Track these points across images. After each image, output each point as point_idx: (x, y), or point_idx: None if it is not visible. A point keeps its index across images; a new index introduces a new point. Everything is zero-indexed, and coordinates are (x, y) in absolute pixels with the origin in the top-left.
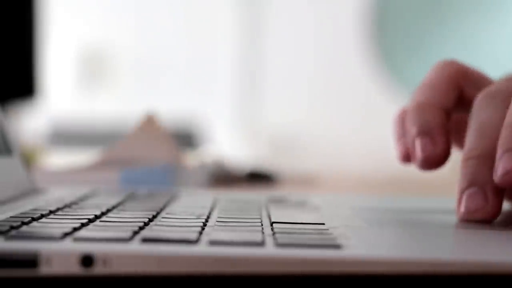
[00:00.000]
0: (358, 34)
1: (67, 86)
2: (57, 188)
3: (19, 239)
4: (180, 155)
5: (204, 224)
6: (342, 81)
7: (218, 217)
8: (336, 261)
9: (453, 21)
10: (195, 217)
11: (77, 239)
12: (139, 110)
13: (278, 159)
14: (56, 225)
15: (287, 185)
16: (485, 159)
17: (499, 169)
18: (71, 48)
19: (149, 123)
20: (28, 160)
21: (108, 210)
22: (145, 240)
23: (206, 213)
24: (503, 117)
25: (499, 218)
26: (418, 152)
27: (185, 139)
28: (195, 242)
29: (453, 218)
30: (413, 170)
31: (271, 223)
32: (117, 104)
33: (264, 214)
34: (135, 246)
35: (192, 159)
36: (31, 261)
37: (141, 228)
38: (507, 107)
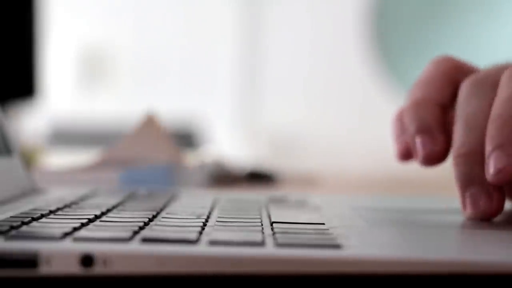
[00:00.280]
0: (358, 34)
1: (67, 86)
2: (57, 188)
3: (19, 239)
4: (180, 155)
5: (204, 224)
6: (342, 81)
7: (218, 217)
8: (336, 261)
9: (453, 21)
10: (195, 217)
11: (77, 239)
12: (139, 110)
13: (278, 159)
14: (56, 225)
15: (287, 185)
16: (475, 155)
17: (491, 168)
18: (71, 48)
19: (149, 123)
20: (28, 160)
21: (108, 210)
22: (145, 240)
23: (206, 213)
24: (489, 108)
25: (499, 218)
26: (419, 150)
27: (185, 139)
28: (195, 242)
29: (453, 218)
30: (412, 169)
31: (271, 223)
32: (117, 104)
33: (264, 214)
34: (135, 246)
35: (192, 159)
36: (31, 261)
37: (141, 228)
38: (493, 97)
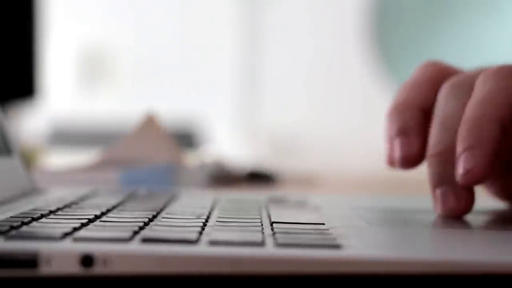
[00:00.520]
0: (358, 34)
1: (67, 86)
2: (57, 188)
3: (19, 239)
4: (180, 155)
5: (204, 224)
6: (342, 81)
7: (218, 217)
8: (336, 261)
9: (453, 21)
10: (195, 217)
11: (77, 239)
12: (139, 110)
13: (278, 159)
14: (56, 225)
15: (287, 185)
16: (448, 155)
17: (460, 168)
18: (71, 48)
19: (149, 123)
20: (28, 160)
21: (108, 210)
22: (145, 240)
23: (206, 213)
24: (465, 109)
25: (498, 218)
26: (396, 152)
27: (185, 139)
28: (195, 242)
29: (453, 218)
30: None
31: (271, 223)
32: (117, 104)
33: (264, 214)
34: (135, 246)
35: (192, 159)
36: (31, 261)
37: (141, 228)
38: (469, 99)
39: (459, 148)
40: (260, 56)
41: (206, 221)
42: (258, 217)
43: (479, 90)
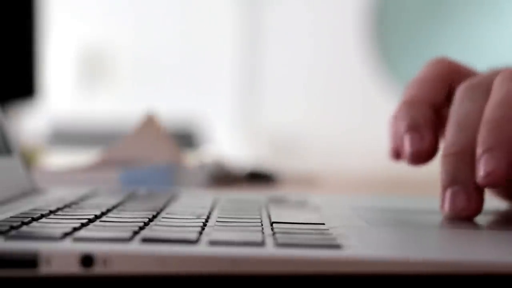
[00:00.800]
0: (358, 34)
1: (67, 86)
2: (57, 188)
3: (19, 239)
4: (180, 155)
5: (204, 224)
6: (342, 81)
7: (218, 217)
8: (336, 261)
9: (453, 21)
10: (195, 217)
11: (77, 239)
12: (139, 110)
13: (278, 159)
14: (56, 225)
15: (287, 185)
16: (464, 155)
17: (481, 170)
18: (71, 48)
19: (149, 123)
20: (28, 160)
21: (108, 210)
22: (145, 240)
23: (206, 213)
24: (482, 111)
25: (498, 218)
26: (407, 147)
27: (185, 139)
28: (195, 242)
29: (453, 218)
30: (412, 169)
31: (271, 223)
32: (117, 104)
33: (264, 214)
34: (135, 246)
35: (192, 159)
36: (31, 261)
37: (141, 228)
38: (486, 101)
39: (479, 149)
40: (260, 56)
41: (206, 221)
42: (258, 217)
43: (498, 91)
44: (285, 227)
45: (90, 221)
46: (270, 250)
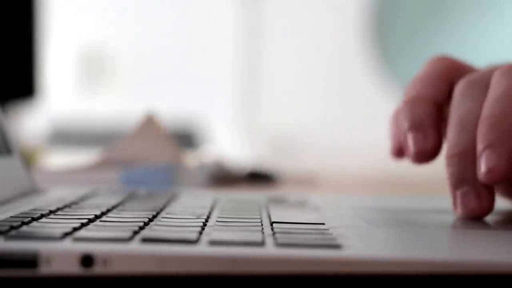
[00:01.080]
0: (358, 34)
1: (67, 86)
2: (57, 188)
3: (19, 239)
4: (180, 155)
5: (204, 224)
6: (342, 81)
7: (218, 217)
8: (336, 261)
9: (452, 21)
10: (195, 217)
11: (77, 239)
12: (139, 110)
13: (278, 159)
14: (56, 225)
15: (287, 185)
16: (468, 155)
17: (482, 167)
18: (71, 48)
19: (149, 123)
20: (28, 160)
21: (108, 210)
22: (145, 240)
23: (206, 213)
24: (482, 107)
25: (498, 218)
26: (410, 146)
27: (185, 139)
28: (195, 242)
29: (453, 218)
30: (412, 169)
31: (271, 223)
32: (117, 104)
33: (264, 214)
34: (135, 246)
35: (192, 159)
36: (31, 261)
37: (141, 228)
38: (486, 96)
39: (480, 146)
40: (260, 56)
41: (206, 221)
42: (258, 217)
43: (496, 87)
44: (285, 227)
45: (90, 221)
46: (270, 250)
